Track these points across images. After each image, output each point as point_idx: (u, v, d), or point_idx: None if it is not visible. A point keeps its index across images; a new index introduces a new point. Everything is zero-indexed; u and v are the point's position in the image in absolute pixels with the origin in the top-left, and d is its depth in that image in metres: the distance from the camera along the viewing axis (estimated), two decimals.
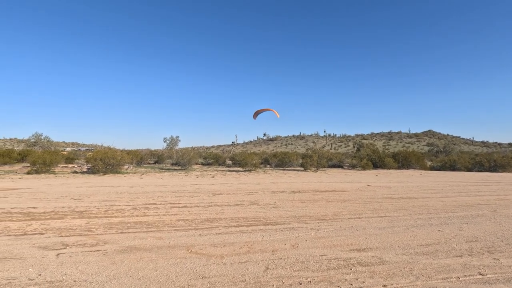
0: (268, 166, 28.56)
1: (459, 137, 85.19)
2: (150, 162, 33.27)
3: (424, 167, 28.47)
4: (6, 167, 22.60)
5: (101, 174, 18.55)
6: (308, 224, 5.97)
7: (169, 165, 29.67)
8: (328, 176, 18.84)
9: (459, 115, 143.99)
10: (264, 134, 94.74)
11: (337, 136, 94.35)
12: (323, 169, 25.98)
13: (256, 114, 28.74)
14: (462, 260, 4.02)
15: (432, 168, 28.75)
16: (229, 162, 34.39)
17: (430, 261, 3.97)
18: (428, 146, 62.57)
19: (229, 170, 23.20)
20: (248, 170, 22.39)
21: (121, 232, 5.19)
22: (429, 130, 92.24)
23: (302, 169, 24.82)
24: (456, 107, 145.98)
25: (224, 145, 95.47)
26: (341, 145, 77.38)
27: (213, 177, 16.78)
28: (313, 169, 24.60)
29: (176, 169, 23.80)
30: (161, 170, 22.62)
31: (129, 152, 26.67)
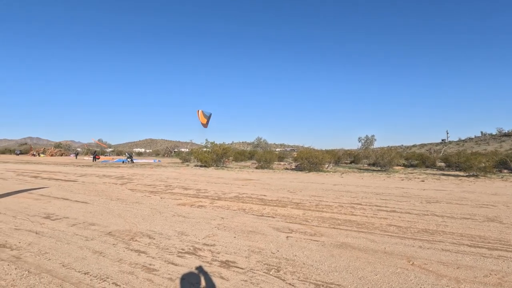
0: (506, 171, 20.92)
1: None
2: (346, 162, 33.86)
3: None
4: (242, 163, 30.81)
5: (306, 171, 20.91)
6: None
7: (366, 165, 28.77)
8: None
9: None
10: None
11: None
12: None
13: (203, 119, 24.63)
14: None
15: None
16: (440, 164, 28.58)
17: None
18: None
19: (443, 174, 19.10)
20: (473, 175, 17.43)
21: (333, 228, 5.50)
22: None
23: None
24: None
25: (430, 144, 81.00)
26: None
27: (422, 181, 14.42)
28: None
29: (374, 170, 22.64)
30: (359, 170, 22.33)
31: (327, 152, 28.39)
